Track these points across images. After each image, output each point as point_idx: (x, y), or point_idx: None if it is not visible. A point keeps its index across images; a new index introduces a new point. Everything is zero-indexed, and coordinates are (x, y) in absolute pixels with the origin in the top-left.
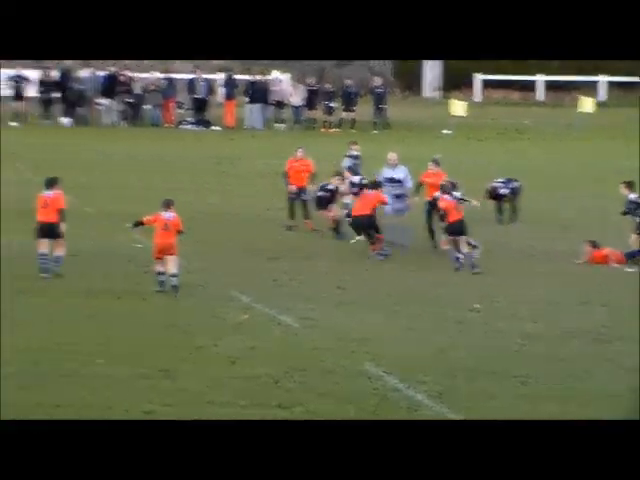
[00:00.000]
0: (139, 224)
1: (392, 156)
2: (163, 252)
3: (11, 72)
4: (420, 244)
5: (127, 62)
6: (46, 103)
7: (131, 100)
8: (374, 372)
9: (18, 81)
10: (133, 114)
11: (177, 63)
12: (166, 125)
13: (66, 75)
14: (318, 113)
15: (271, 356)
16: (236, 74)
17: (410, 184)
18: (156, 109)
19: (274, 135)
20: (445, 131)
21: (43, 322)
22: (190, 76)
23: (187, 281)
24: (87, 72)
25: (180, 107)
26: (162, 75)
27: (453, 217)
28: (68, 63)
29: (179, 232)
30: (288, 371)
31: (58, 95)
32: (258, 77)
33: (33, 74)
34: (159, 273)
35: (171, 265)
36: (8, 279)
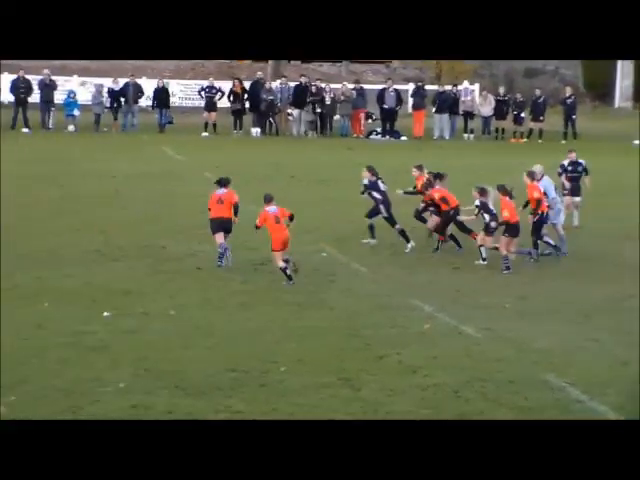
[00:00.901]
0: (257, 228)
1: (536, 169)
2: (285, 245)
3: (204, 83)
4: (601, 255)
5: (319, 72)
6: (237, 114)
7: (321, 110)
8: (556, 383)
9: (210, 92)
10: (322, 124)
11: (369, 74)
12: (355, 135)
13: (257, 86)
14: (507, 123)
15: (452, 366)
16: (426, 84)
17: (553, 194)
18: (345, 119)
19: (462, 145)
20: (636, 142)
21: (233, 330)
22: (380, 86)
23: (372, 291)
24: (278, 82)
25: (369, 117)
26: (352, 85)
27: (514, 218)
28: (259, 74)
29: (291, 218)
30: (469, 381)
31: (249, 106)
32: (447, 87)
33: (225, 85)
34: (284, 269)
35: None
36: (196, 289)
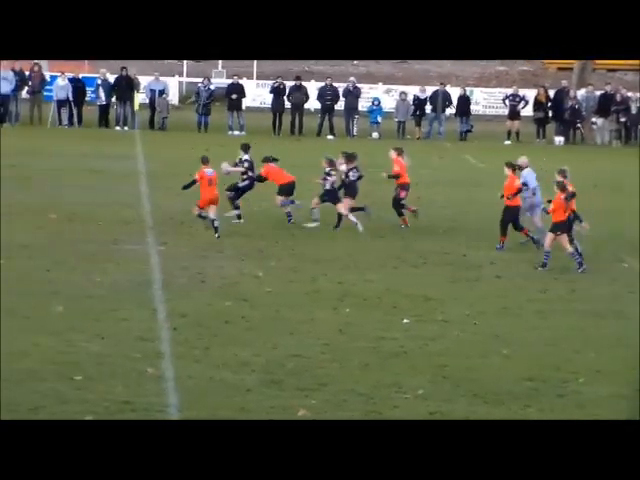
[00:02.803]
0: (191, 184)
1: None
2: (210, 203)
3: (508, 91)
4: None
5: (624, 81)
6: (540, 122)
7: (625, 119)
8: None
9: (513, 100)
10: (627, 133)
11: None
12: None
13: (561, 94)
14: None
15: None
16: None
17: (534, 184)
18: None
19: None
20: None
21: (530, 338)
22: None
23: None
24: (583, 91)
25: None
26: None
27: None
28: (564, 83)
29: None
30: None
31: (552, 114)
32: None
33: (529, 93)
34: (202, 216)
35: (212, 211)
36: (494, 296)
